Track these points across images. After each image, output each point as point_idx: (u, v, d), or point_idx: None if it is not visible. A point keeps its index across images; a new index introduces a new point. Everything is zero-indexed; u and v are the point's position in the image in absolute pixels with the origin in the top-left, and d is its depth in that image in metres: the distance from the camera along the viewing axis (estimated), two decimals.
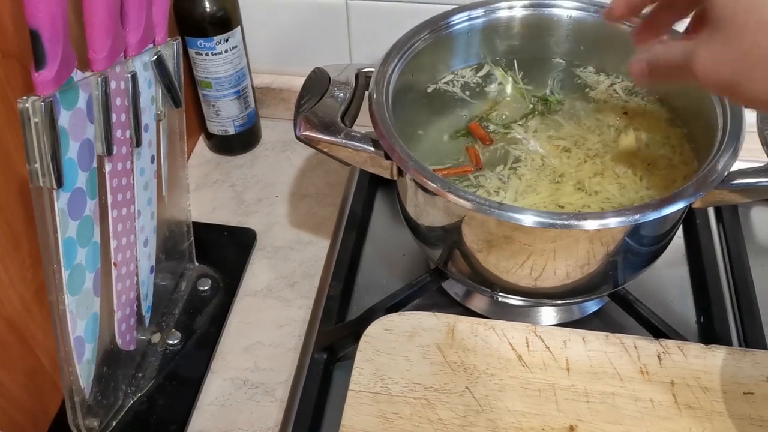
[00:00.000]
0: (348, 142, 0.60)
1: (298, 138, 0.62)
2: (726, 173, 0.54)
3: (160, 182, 0.66)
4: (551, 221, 0.51)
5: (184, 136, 0.69)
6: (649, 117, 0.66)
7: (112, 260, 0.59)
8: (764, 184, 0.56)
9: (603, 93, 0.69)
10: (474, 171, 0.62)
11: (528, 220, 0.51)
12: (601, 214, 0.52)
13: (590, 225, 0.51)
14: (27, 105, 0.47)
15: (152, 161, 0.64)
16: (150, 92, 0.61)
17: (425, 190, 0.57)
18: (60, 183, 0.49)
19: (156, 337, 0.69)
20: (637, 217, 0.51)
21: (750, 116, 0.60)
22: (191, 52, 0.78)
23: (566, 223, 0.51)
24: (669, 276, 0.72)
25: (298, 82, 0.69)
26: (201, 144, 0.90)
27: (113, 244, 0.58)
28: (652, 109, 0.67)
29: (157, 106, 0.63)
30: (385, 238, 0.78)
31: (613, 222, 0.51)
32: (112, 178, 0.57)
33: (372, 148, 0.60)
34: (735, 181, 0.55)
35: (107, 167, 0.56)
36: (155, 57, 0.61)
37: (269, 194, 0.84)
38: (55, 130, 0.48)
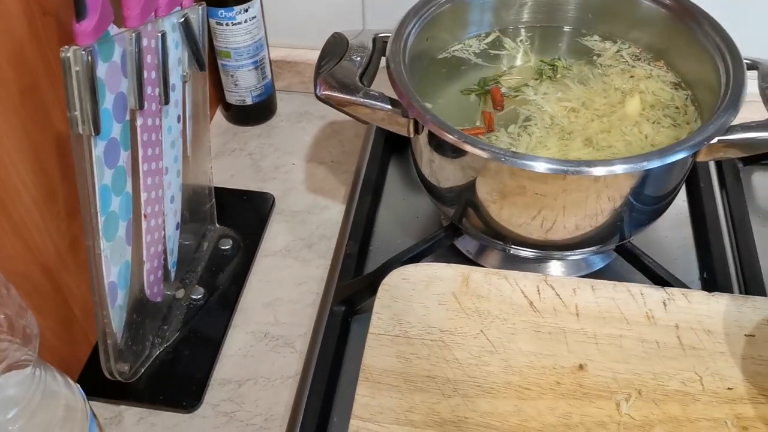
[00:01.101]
0: (366, 100, 0.63)
1: (318, 97, 0.65)
2: (728, 126, 0.57)
3: (185, 142, 0.69)
4: (563, 168, 0.54)
5: (207, 100, 0.72)
6: (655, 80, 0.69)
7: (143, 212, 0.61)
8: (764, 137, 0.58)
9: (610, 59, 0.72)
10: (486, 133, 0.65)
11: (540, 167, 0.54)
12: (609, 162, 0.54)
13: (599, 171, 0.54)
14: (69, 54, 0.49)
15: (178, 120, 0.67)
16: (177, 53, 0.64)
17: (440, 146, 0.60)
18: (98, 130, 0.52)
19: (180, 293, 0.71)
20: (644, 164, 0.54)
21: (752, 79, 0.63)
22: (211, 22, 0.81)
23: (576, 169, 0.54)
24: (673, 236, 0.75)
25: (313, 55, 0.72)
26: (219, 115, 0.93)
27: (144, 196, 0.61)
28: (658, 73, 0.70)
29: (183, 68, 0.66)
30: (398, 202, 0.80)
31: (620, 168, 0.54)
32: (143, 133, 0.60)
33: (389, 106, 0.62)
34: (736, 135, 0.58)
35: (138, 121, 0.59)
36: (183, 19, 0.63)
37: (286, 162, 0.87)
38: (93, 80, 0.51)
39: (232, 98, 0.88)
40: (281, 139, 0.90)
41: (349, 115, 0.65)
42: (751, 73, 0.64)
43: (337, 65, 0.66)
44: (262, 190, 0.83)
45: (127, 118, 0.57)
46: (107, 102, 0.54)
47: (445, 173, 0.64)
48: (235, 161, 0.87)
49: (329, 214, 0.81)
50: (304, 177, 0.85)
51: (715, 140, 0.57)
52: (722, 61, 0.62)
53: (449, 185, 0.64)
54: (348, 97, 0.63)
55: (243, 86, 0.86)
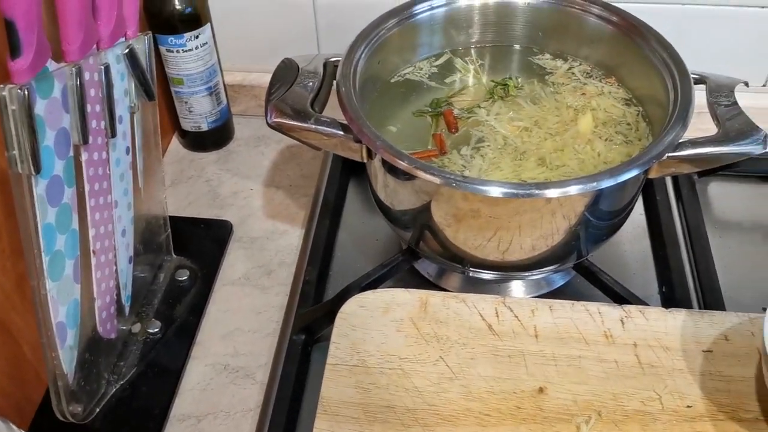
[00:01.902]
0: (318, 127, 0.62)
1: (269, 125, 0.64)
2: (676, 143, 0.57)
3: (135, 174, 0.68)
4: (514, 191, 0.53)
5: (158, 129, 0.71)
6: (606, 97, 0.69)
7: (91, 248, 0.60)
8: (714, 152, 0.59)
9: (562, 76, 0.72)
10: (439, 155, 0.64)
11: (492, 191, 0.54)
12: (560, 183, 0.54)
13: (551, 193, 0.54)
14: (4, 93, 0.48)
15: (127, 152, 0.65)
16: (123, 85, 0.63)
17: (394, 170, 0.59)
18: (38, 169, 0.51)
19: (136, 327, 0.70)
20: (594, 184, 0.54)
21: (699, 92, 0.63)
22: (162, 49, 0.79)
23: (528, 192, 0.53)
24: (631, 250, 0.75)
25: (269, 78, 0.72)
26: (175, 142, 0.92)
27: (92, 232, 0.60)
28: (609, 90, 0.70)
29: (131, 99, 0.65)
30: (358, 225, 0.80)
31: (572, 189, 0.54)
32: (88, 167, 0.58)
33: (341, 132, 0.62)
34: (686, 151, 0.58)
35: (83, 156, 0.57)
36: (127, 50, 0.62)
37: (244, 187, 0.86)
38: (31, 118, 0.50)
39: (187, 125, 0.87)
40: (239, 164, 0.89)
41: (301, 141, 0.64)
42: (700, 88, 0.65)
43: (288, 91, 0.66)
44: (220, 218, 0.82)
45: (71, 153, 0.56)
46: (48, 139, 0.52)
47: (400, 197, 0.63)
48: (192, 188, 0.86)
49: (288, 240, 0.80)
50: (262, 202, 0.84)
51: (665, 157, 0.57)
52: (670, 76, 0.62)
53: (404, 209, 0.64)
54: (299, 123, 0.63)
55: (198, 113, 0.85)
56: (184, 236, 0.79)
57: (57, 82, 0.53)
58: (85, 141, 0.57)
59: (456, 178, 0.54)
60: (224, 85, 0.87)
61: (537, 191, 0.53)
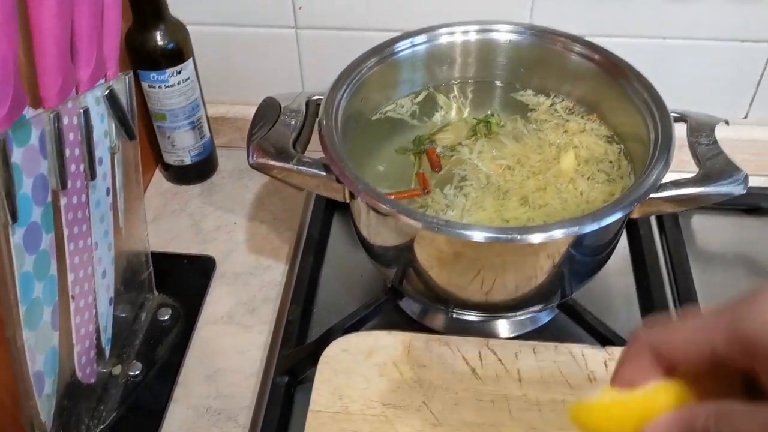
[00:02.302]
0: (300, 167, 0.62)
1: (251, 165, 0.64)
2: (658, 184, 0.57)
3: (116, 214, 0.67)
4: (496, 236, 0.53)
5: (139, 168, 0.70)
6: (588, 134, 0.69)
7: (70, 293, 0.59)
8: (695, 193, 0.59)
9: (544, 113, 0.72)
10: (422, 195, 0.64)
11: (474, 235, 0.53)
12: (543, 227, 0.54)
13: (533, 238, 0.53)
14: None
15: (108, 193, 0.65)
16: (103, 126, 0.63)
17: (376, 211, 0.59)
18: (15, 218, 0.50)
19: (117, 369, 0.69)
20: (577, 228, 0.54)
21: (680, 129, 0.64)
22: (144, 85, 0.79)
23: (510, 237, 0.53)
24: (615, 285, 0.75)
25: (252, 111, 0.71)
26: (158, 175, 0.91)
27: (71, 277, 0.59)
28: (591, 126, 0.70)
29: (111, 140, 0.64)
30: (342, 260, 0.79)
31: (554, 234, 0.54)
32: (67, 212, 0.58)
33: (323, 173, 0.62)
34: (668, 192, 0.58)
35: (62, 201, 0.57)
36: (107, 91, 0.62)
37: (227, 222, 0.85)
38: (8, 167, 0.49)
39: (170, 159, 0.86)
40: (222, 198, 0.88)
41: (283, 182, 0.64)
42: (682, 125, 0.65)
43: (271, 130, 0.66)
44: (203, 253, 0.81)
45: (49, 199, 0.55)
46: (25, 187, 0.52)
47: (382, 237, 0.63)
48: (175, 223, 0.85)
49: (272, 275, 0.79)
50: (245, 237, 0.84)
51: (646, 199, 0.57)
52: (651, 116, 0.63)
53: (387, 249, 0.63)
54: (281, 164, 0.63)
55: (180, 147, 0.85)
56: (166, 273, 0.78)
57: (34, 129, 0.52)
58: (64, 186, 0.56)
59: (438, 223, 0.54)
60: (207, 118, 0.86)
61: (519, 236, 0.53)
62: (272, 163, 0.63)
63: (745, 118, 0.85)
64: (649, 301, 0.71)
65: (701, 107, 0.83)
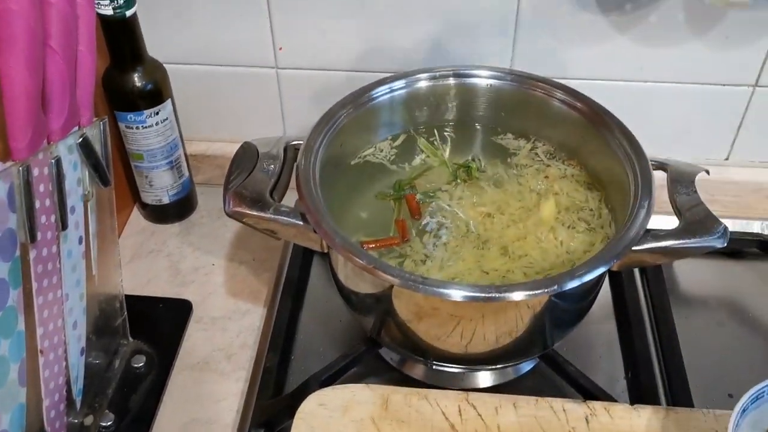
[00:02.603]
0: (277, 216, 0.61)
1: (227, 214, 0.63)
2: (638, 239, 0.56)
3: (89, 262, 0.65)
4: (474, 294, 0.52)
5: (114, 213, 0.69)
6: (569, 181, 0.69)
7: (39, 347, 0.58)
8: (675, 246, 0.58)
9: (525, 157, 0.72)
10: (401, 243, 0.63)
11: (453, 294, 0.52)
12: (522, 285, 0.54)
13: (513, 296, 0.53)
14: None
15: (80, 242, 0.63)
16: (76, 174, 0.61)
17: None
18: None
19: (89, 420, 0.67)
20: (556, 287, 0.53)
21: (660, 177, 0.63)
22: (121, 125, 0.78)
23: (488, 296, 0.52)
24: (598, 331, 0.74)
25: (233, 148, 0.71)
26: (136, 213, 0.90)
27: (39, 331, 0.57)
28: (572, 172, 0.70)
29: (84, 187, 0.63)
30: (322, 304, 0.78)
31: (533, 293, 0.53)
32: (36, 265, 0.56)
33: (301, 223, 0.61)
34: (648, 245, 0.58)
35: (32, 254, 0.55)
36: (81, 139, 0.61)
37: (206, 263, 0.84)
38: None
39: (147, 198, 0.85)
40: (201, 237, 0.87)
41: (259, 230, 0.63)
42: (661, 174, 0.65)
43: (248, 177, 0.65)
44: (180, 296, 0.80)
45: (17, 254, 0.54)
46: None
47: (360, 289, 0.62)
48: (152, 264, 0.84)
49: (250, 319, 0.78)
50: (224, 278, 0.82)
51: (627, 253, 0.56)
52: (630, 167, 0.62)
53: (364, 300, 0.62)
54: (258, 213, 0.62)
55: (158, 186, 0.84)
56: (142, 317, 0.76)
57: (2, 183, 0.51)
58: (33, 239, 0.55)
59: (415, 280, 0.53)
60: (186, 156, 0.85)
61: (498, 294, 0.52)
62: (249, 211, 0.62)
63: (726, 159, 0.85)
64: (632, 351, 0.70)
65: (682, 149, 0.84)
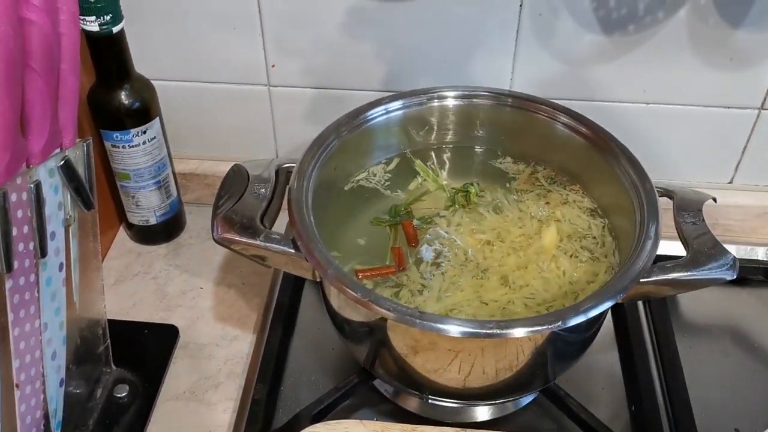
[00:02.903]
0: (267, 244, 0.59)
1: (215, 240, 0.60)
2: (645, 272, 0.54)
3: (70, 289, 0.63)
4: (473, 330, 0.50)
5: (97, 237, 0.66)
6: (571, 207, 0.67)
7: (15, 381, 0.55)
8: (684, 278, 0.56)
9: (525, 182, 0.69)
10: (397, 272, 0.61)
11: (451, 329, 0.50)
12: (524, 321, 0.51)
13: (515, 333, 0.50)
14: None
15: (60, 269, 0.60)
16: (57, 198, 0.59)
17: None
18: None
19: None
20: (560, 323, 0.50)
21: (664, 202, 0.61)
22: (107, 144, 0.75)
23: (488, 332, 0.50)
24: (599, 361, 0.72)
25: (223, 167, 0.68)
26: (122, 234, 0.87)
27: (16, 364, 0.55)
28: (574, 198, 0.67)
29: (66, 212, 0.60)
30: (314, 331, 0.75)
31: (536, 329, 0.50)
32: (12, 295, 0.53)
33: (292, 250, 0.58)
34: (655, 277, 0.55)
35: (8, 284, 0.53)
36: (62, 162, 0.58)
37: (194, 286, 0.81)
38: None
39: (134, 218, 0.82)
40: (189, 259, 0.84)
41: (248, 257, 0.60)
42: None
43: (238, 202, 0.62)
44: (166, 321, 0.77)
45: None
46: None
47: (353, 318, 0.59)
48: (138, 287, 0.81)
49: (239, 346, 0.75)
50: (212, 303, 0.79)
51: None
52: (636, 194, 0.60)
53: (358, 332, 0.60)
54: (248, 240, 0.59)
55: (145, 207, 0.81)
56: (126, 344, 0.73)
57: None
58: (9, 269, 0.52)
59: (412, 315, 0.50)
60: (175, 175, 0.82)
61: (499, 331, 0.50)
62: (238, 238, 0.59)
63: (730, 183, 0.83)
64: (635, 383, 0.68)
65: (685, 172, 0.82)
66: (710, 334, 0.75)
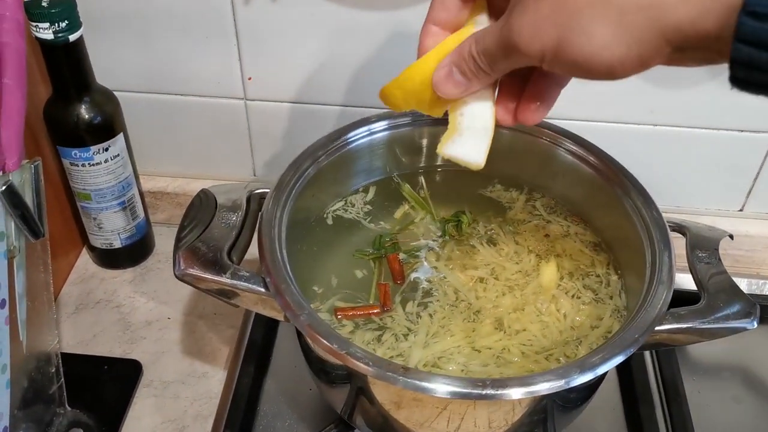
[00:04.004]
0: (235, 282, 0.52)
1: (177, 276, 0.54)
2: (658, 320, 0.48)
3: (15, 326, 0.56)
4: (465, 391, 0.44)
5: (48, 267, 0.59)
6: (572, 240, 0.61)
7: None
8: (699, 327, 0.50)
9: (521, 211, 0.63)
10: (381, 313, 0.54)
11: (438, 389, 0.44)
12: (522, 380, 0.45)
13: (511, 394, 0.44)
14: None
15: (3, 305, 0.54)
16: None
17: None
18: None
19: None
20: (562, 382, 0.44)
21: (678, 243, 0.55)
22: (65, 162, 0.69)
23: (481, 393, 0.44)
24: (601, 407, 0.66)
25: (197, 185, 0.62)
26: (84, 256, 0.80)
27: None
28: (575, 230, 0.62)
29: (9, 242, 0.53)
30: (289, 369, 0.69)
31: (537, 388, 0.44)
32: None
33: (262, 289, 0.52)
34: (668, 326, 0.50)
35: None
36: (4, 187, 0.51)
37: (160, 316, 0.75)
38: None
39: (96, 241, 0.76)
40: (157, 286, 0.78)
41: (216, 296, 0.54)
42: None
43: (204, 232, 0.56)
44: (129, 355, 0.70)
45: None
46: None
47: (331, 367, 0.53)
48: (99, 317, 0.74)
49: (207, 385, 0.69)
50: (180, 335, 0.73)
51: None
52: (647, 233, 0.54)
53: (336, 382, 0.54)
54: (212, 277, 0.53)
55: (108, 229, 0.74)
56: (82, 382, 0.67)
57: None
58: None
59: (395, 371, 0.44)
60: (142, 196, 0.76)
61: (493, 392, 0.44)
62: (201, 275, 0.53)
63: (741, 211, 0.78)
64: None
65: (693, 199, 0.76)
66: (720, 377, 0.69)
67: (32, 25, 0.60)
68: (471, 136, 0.43)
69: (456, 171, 0.66)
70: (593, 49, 0.34)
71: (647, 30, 0.33)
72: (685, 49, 0.33)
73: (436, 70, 0.41)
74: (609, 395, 0.67)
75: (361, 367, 0.45)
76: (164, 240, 0.82)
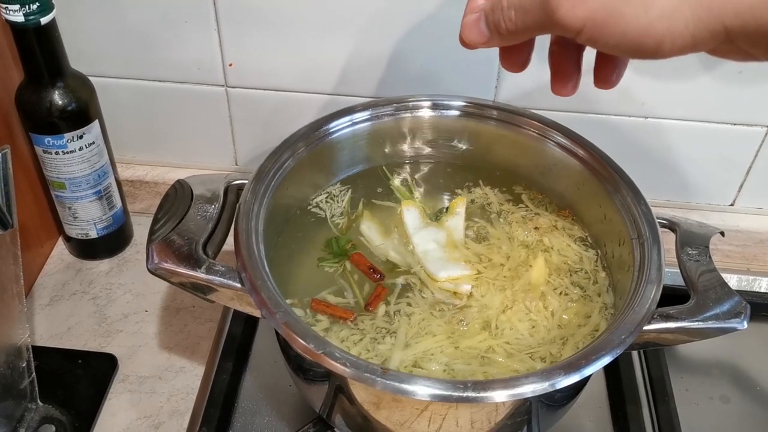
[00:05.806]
0: (210, 277, 0.50)
1: (150, 271, 0.52)
2: (646, 320, 0.47)
3: None
4: (445, 393, 0.42)
5: (18, 259, 0.57)
6: (560, 235, 0.59)
7: None
8: (689, 327, 0.49)
9: (508, 204, 0.62)
10: (353, 318, 0.52)
11: (418, 391, 0.42)
12: (506, 382, 0.43)
13: (494, 396, 0.42)
14: None
15: None
16: None
17: None
18: None
19: None
20: (547, 384, 0.43)
21: (668, 238, 0.54)
22: (38, 150, 0.66)
23: (463, 395, 0.42)
24: (587, 407, 0.64)
25: (176, 174, 0.60)
26: (60, 246, 0.78)
27: None
28: (563, 225, 0.60)
29: None
30: (268, 365, 0.67)
31: (522, 390, 0.43)
32: None
33: (239, 285, 0.50)
34: (656, 326, 0.48)
35: None
36: None
37: (137, 308, 0.73)
38: None
39: (71, 231, 0.74)
40: (134, 277, 0.75)
41: (191, 291, 0.52)
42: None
43: (179, 225, 0.54)
44: (104, 349, 0.68)
45: None
46: None
47: (310, 366, 0.51)
48: (75, 308, 0.72)
49: (184, 380, 0.67)
50: (157, 328, 0.71)
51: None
52: (636, 230, 0.52)
53: (314, 380, 0.52)
54: (186, 271, 0.51)
55: (84, 219, 0.72)
56: (56, 375, 0.65)
57: None
58: None
59: (373, 372, 0.43)
60: (119, 185, 0.74)
61: (474, 394, 0.42)
62: (175, 269, 0.51)
63: (732, 205, 0.76)
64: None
65: (683, 192, 0.75)
66: (709, 375, 0.68)
67: (2, 7, 0.58)
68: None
69: (442, 163, 0.65)
70: (650, 19, 0.32)
71: (708, 9, 0.31)
72: (736, 39, 0.32)
73: (466, 14, 0.40)
74: (595, 393, 0.65)
75: (338, 368, 0.43)
76: (142, 230, 0.80)
